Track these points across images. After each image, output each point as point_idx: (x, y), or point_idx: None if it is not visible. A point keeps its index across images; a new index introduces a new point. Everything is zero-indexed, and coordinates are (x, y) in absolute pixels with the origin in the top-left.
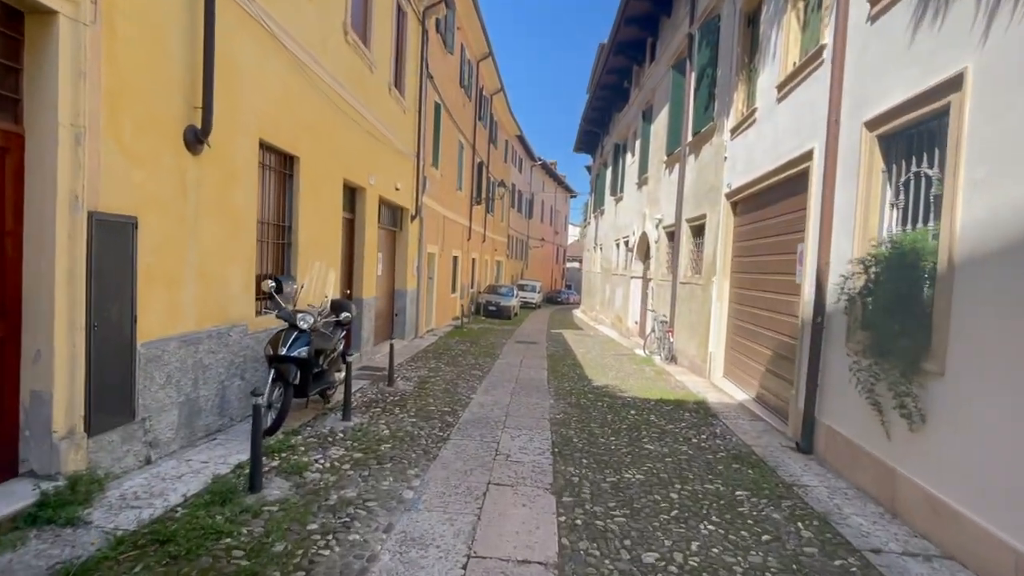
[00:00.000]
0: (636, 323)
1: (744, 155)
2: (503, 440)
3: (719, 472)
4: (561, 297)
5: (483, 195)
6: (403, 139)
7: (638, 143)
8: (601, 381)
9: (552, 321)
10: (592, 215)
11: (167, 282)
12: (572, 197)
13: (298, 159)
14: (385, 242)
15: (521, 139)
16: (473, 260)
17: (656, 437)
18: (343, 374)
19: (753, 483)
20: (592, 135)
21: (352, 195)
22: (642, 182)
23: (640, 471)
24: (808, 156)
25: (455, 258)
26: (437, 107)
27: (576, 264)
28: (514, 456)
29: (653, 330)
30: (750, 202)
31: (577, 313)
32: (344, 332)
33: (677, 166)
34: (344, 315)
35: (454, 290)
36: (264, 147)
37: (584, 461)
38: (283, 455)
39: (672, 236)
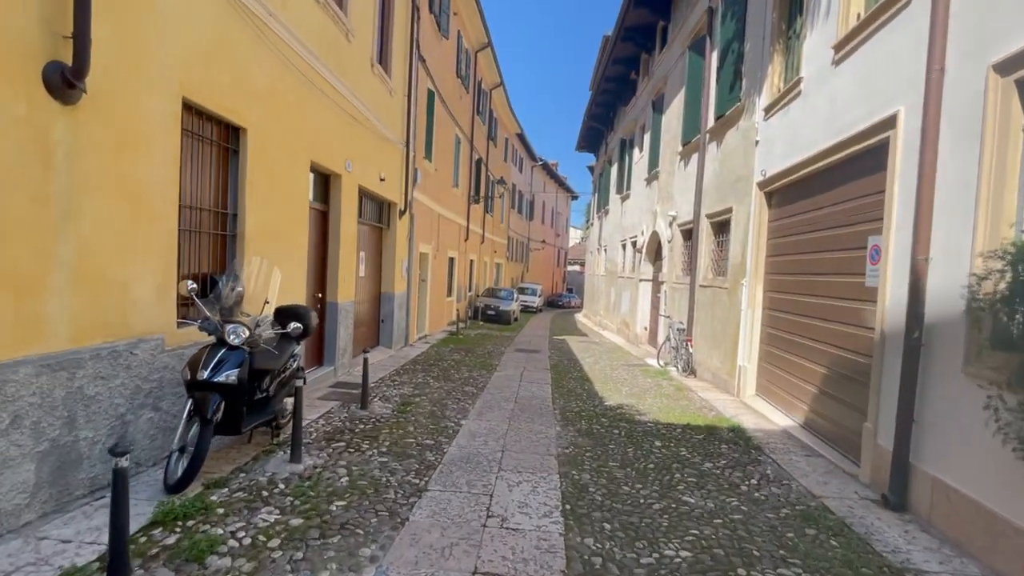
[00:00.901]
0: (645, 329)
1: (784, 136)
2: (498, 490)
3: (792, 544)
4: (562, 301)
5: (482, 194)
6: (390, 124)
7: (647, 136)
8: (614, 399)
9: (554, 326)
10: (595, 216)
11: (14, 286)
12: (573, 199)
13: (245, 131)
14: (369, 240)
15: (522, 138)
16: (471, 262)
17: (694, 483)
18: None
19: (846, 564)
20: (595, 132)
21: (325, 183)
22: (652, 177)
23: (684, 543)
24: (888, 123)
25: (451, 259)
26: (431, 94)
27: (577, 267)
28: (512, 519)
29: (668, 338)
30: (793, 190)
31: (579, 318)
32: (298, 347)
33: (695, 156)
34: (293, 326)
35: (450, 293)
36: (193, 110)
37: (606, 527)
38: (189, 524)
39: (689, 234)
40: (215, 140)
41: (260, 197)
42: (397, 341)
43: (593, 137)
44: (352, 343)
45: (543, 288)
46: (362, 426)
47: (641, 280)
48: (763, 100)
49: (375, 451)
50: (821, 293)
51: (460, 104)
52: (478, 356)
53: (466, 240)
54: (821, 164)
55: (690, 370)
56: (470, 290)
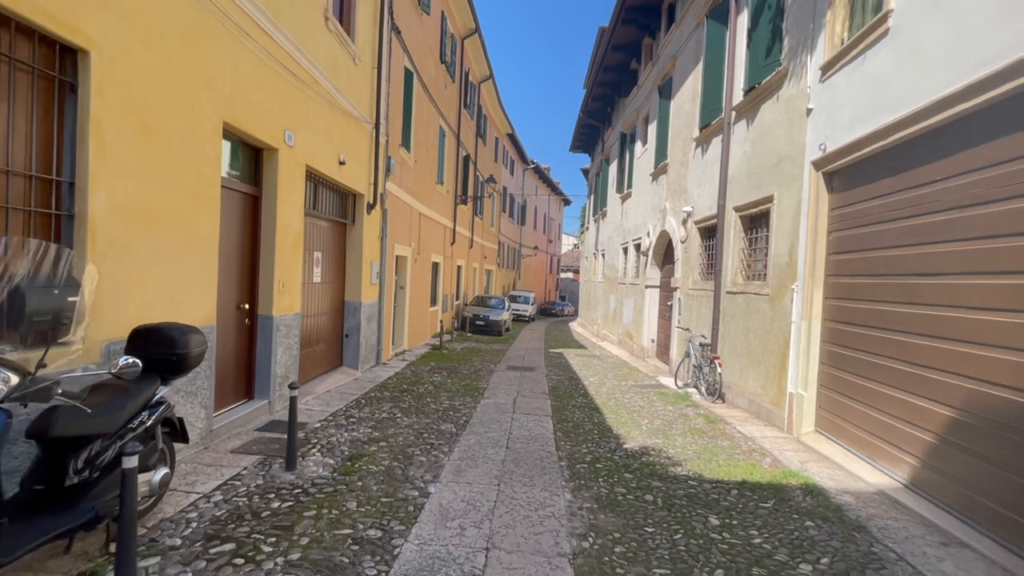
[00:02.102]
0: (653, 342)
1: (856, 96)
2: None
3: None
4: (555, 309)
5: (470, 194)
6: (354, 98)
7: (652, 127)
8: (634, 438)
9: (549, 337)
10: (591, 219)
11: None
12: (566, 204)
13: (88, 55)
14: (327, 238)
15: (513, 138)
16: (458, 268)
17: None
18: (162, 473)
19: None
20: (591, 131)
21: (255, 158)
22: (659, 171)
23: None
24: None
25: (435, 264)
26: (409, 74)
27: (570, 274)
28: None
29: (688, 355)
30: (870, 167)
31: (575, 327)
32: (164, 388)
33: (716, 141)
34: (124, 363)
35: (434, 302)
36: None
37: None
38: None
39: (710, 232)
40: (35, 66)
41: (123, 160)
42: (366, 360)
43: (588, 136)
44: (299, 366)
45: (536, 296)
46: (277, 505)
47: (648, 286)
48: (819, 57)
49: (279, 562)
50: (934, 301)
51: (445, 94)
52: (463, 377)
53: (452, 244)
54: (934, 120)
55: (717, 394)
56: (457, 298)
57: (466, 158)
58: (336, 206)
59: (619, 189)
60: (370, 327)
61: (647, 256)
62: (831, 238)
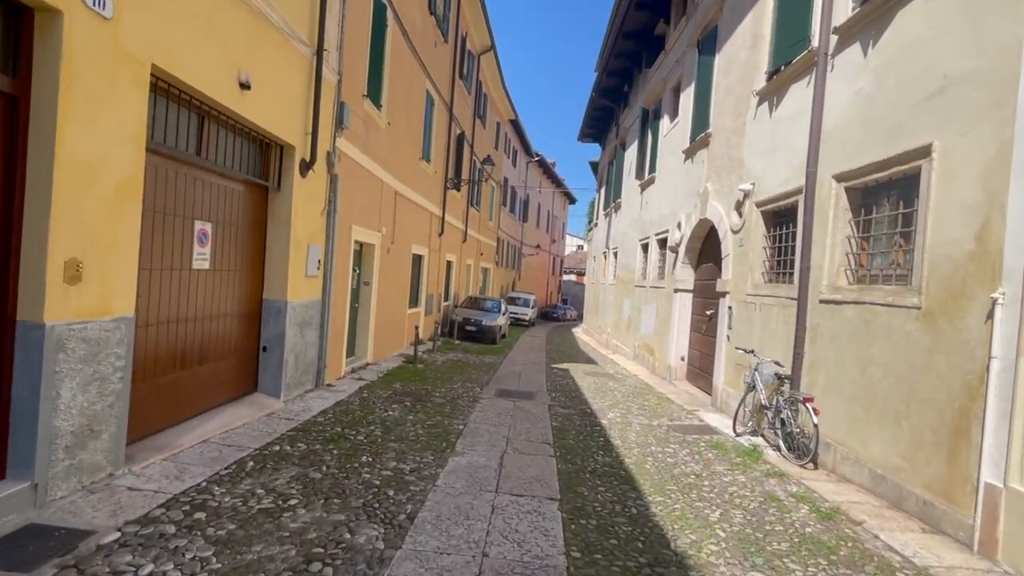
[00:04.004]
0: (683, 360)
1: None
2: None
3: None
4: (557, 313)
5: (464, 179)
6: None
7: (687, 94)
8: (709, 554)
9: (551, 347)
10: (601, 214)
11: None
12: (571, 203)
13: None
14: (228, 204)
15: (516, 126)
16: (448, 263)
17: None
18: None
19: None
20: (604, 114)
21: (15, 29)
22: (698, 146)
23: None
24: None
25: (417, 258)
26: (381, 6)
27: (573, 277)
28: None
29: (753, 387)
30: None
31: (579, 334)
32: None
33: (799, 87)
34: None
35: (415, 303)
36: None
37: None
38: None
39: (783, 216)
40: None
41: None
42: (296, 383)
43: (600, 122)
44: (148, 405)
45: (536, 298)
46: None
47: (677, 290)
48: None
49: None
50: None
51: (435, 54)
52: (432, 410)
53: (441, 235)
54: None
55: (806, 453)
56: (446, 299)
57: (460, 137)
58: (243, 157)
59: (639, 175)
60: (304, 337)
61: (676, 253)
62: None
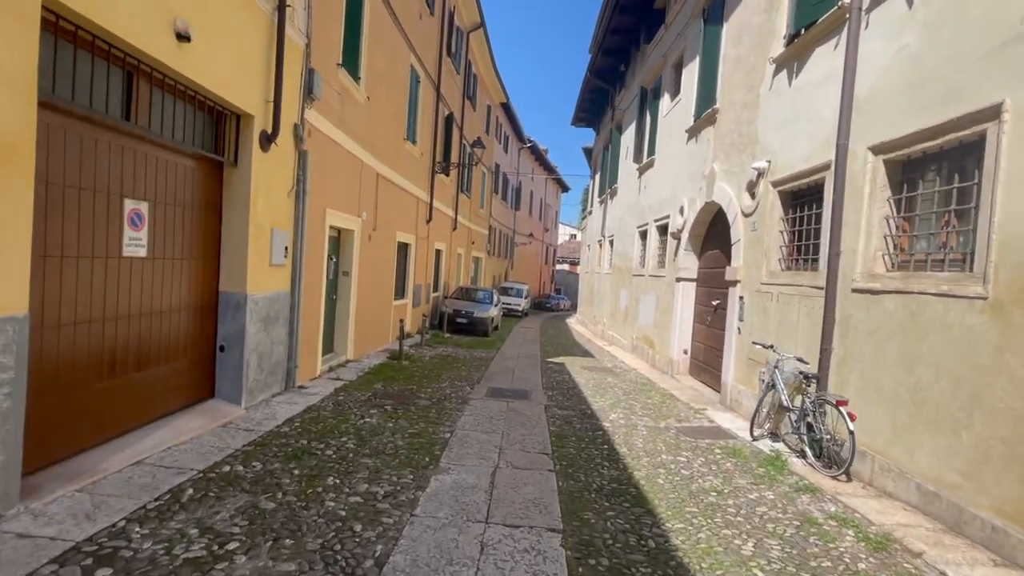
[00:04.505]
0: (686, 353)
1: None
2: None
3: None
4: (551, 303)
5: (453, 162)
6: None
7: (691, 68)
8: None
9: (546, 339)
10: (596, 202)
11: None
12: (564, 191)
13: None
14: (171, 181)
15: (508, 110)
16: (438, 252)
17: None
18: None
19: None
20: (598, 97)
21: None
22: (703, 123)
23: None
24: None
25: (403, 246)
26: None
27: (566, 267)
28: None
29: (772, 385)
30: None
31: (574, 325)
32: None
33: (823, 51)
34: None
35: (402, 294)
36: None
37: None
38: None
39: (804, 196)
40: None
41: None
42: (260, 387)
43: (594, 105)
44: (31, 426)
45: (530, 288)
46: None
47: (680, 279)
48: None
49: None
50: None
51: (420, 26)
52: (415, 415)
53: (429, 222)
54: None
55: (838, 463)
56: (436, 290)
57: (449, 118)
58: (190, 127)
59: (637, 159)
60: (270, 334)
61: (679, 239)
62: None
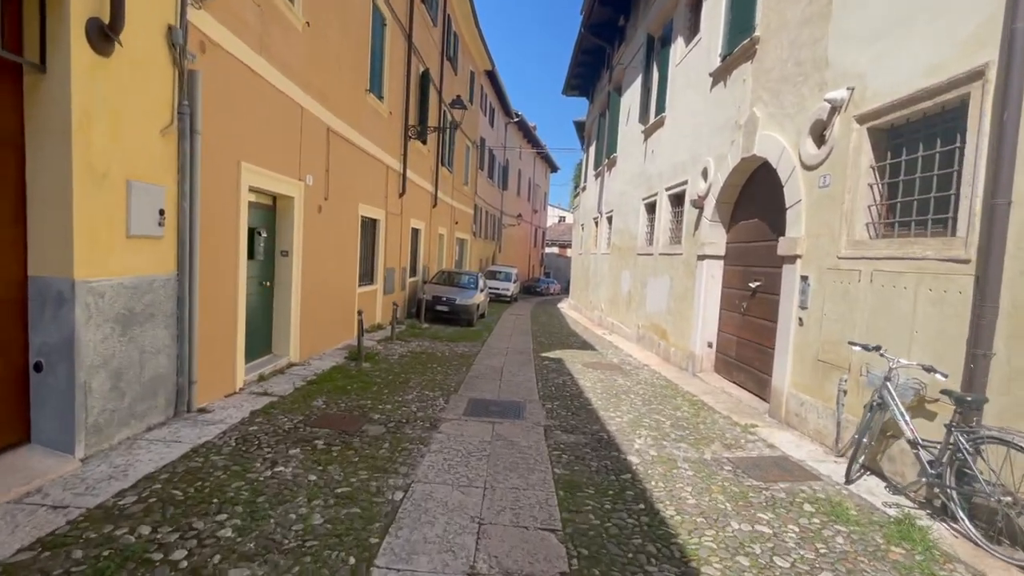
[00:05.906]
0: (711, 347)
1: None
2: None
3: None
4: (540, 287)
5: (431, 126)
6: None
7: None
8: None
9: (538, 327)
10: (591, 175)
11: None
12: (553, 171)
13: None
14: None
15: (494, 79)
16: (415, 231)
17: None
18: None
19: None
20: (593, 59)
21: None
22: (737, 60)
23: None
24: None
25: (370, 223)
26: None
27: (555, 249)
28: None
29: (882, 405)
30: None
31: (567, 310)
32: None
33: None
34: None
35: (370, 279)
36: None
37: None
38: None
39: (915, 131)
40: None
41: None
42: (124, 418)
43: (588, 69)
44: None
45: (519, 272)
46: None
47: (703, 256)
48: None
49: None
50: None
51: None
52: (356, 457)
53: (402, 195)
54: None
55: (1019, 540)
56: (413, 275)
57: (425, 76)
58: None
59: (643, 119)
60: (135, 340)
61: (701, 208)
62: None
